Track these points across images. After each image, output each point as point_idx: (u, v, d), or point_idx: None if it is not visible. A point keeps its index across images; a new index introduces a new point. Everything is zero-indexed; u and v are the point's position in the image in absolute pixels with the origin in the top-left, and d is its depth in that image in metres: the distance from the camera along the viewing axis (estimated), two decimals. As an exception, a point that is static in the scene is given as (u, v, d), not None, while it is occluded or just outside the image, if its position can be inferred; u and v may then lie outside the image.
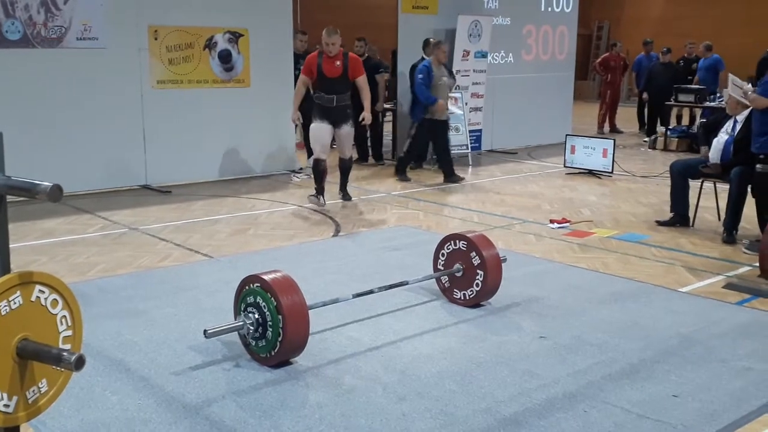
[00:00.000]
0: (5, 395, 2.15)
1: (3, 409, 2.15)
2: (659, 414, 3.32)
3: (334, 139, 7.68)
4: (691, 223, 6.99)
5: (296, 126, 11.04)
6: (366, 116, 7.54)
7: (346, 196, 7.89)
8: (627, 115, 16.08)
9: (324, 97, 7.39)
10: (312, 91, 7.61)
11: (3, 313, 2.11)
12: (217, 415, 3.24)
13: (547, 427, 3.18)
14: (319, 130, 7.42)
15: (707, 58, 13.83)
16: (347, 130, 7.55)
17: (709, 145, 6.90)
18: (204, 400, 3.38)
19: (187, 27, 8.57)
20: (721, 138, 6.75)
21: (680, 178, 6.92)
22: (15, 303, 2.14)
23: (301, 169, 9.70)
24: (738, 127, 6.64)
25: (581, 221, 7.20)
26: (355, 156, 8.93)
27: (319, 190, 7.56)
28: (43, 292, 2.22)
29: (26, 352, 2.16)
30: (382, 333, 4.24)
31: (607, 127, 15.04)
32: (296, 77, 9.77)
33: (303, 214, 7.36)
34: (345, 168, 7.82)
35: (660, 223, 7.02)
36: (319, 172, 7.49)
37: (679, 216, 6.96)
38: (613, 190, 8.96)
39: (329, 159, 7.72)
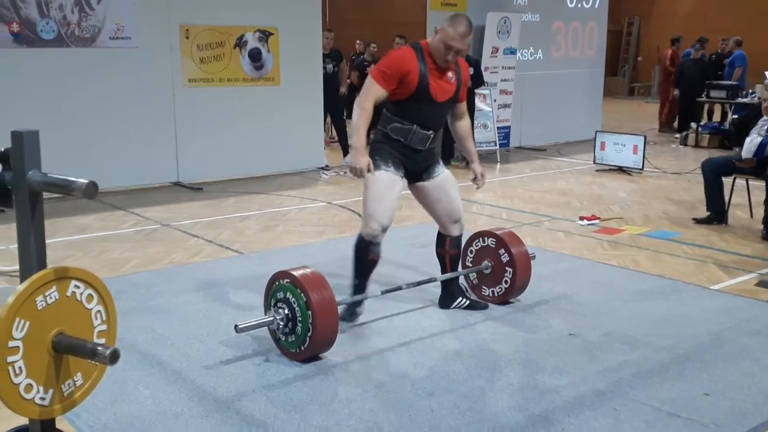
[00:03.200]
0: (41, 388, 2.19)
1: (39, 402, 2.19)
2: (690, 412, 3.29)
3: None
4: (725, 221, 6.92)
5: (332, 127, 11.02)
6: (481, 175, 4.48)
7: (474, 302, 4.61)
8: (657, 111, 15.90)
9: (419, 133, 4.14)
10: (387, 114, 4.19)
11: (39, 308, 2.15)
12: (247, 409, 3.28)
13: (576, 425, 3.17)
14: (390, 187, 4.11)
15: (733, 52, 13.73)
16: (446, 175, 4.37)
17: (742, 144, 6.82)
18: (235, 394, 3.41)
19: (218, 26, 8.63)
20: (755, 139, 6.65)
21: (713, 176, 6.84)
22: (51, 298, 2.18)
23: (327, 166, 9.73)
24: None
25: (611, 218, 7.15)
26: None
27: (359, 292, 4.27)
28: (79, 287, 2.26)
29: (62, 346, 2.21)
30: (411, 329, 4.25)
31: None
32: (325, 76, 9.84)
33: (331, 211, 7.39)
34: (455, 254, 4.55)
35: (697, 221, 6.95)
36: (367, 262, 4.23)
37: (716, 214, 6.89)
38: (644, 187, 8.88)
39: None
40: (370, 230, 4.11)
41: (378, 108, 4.04)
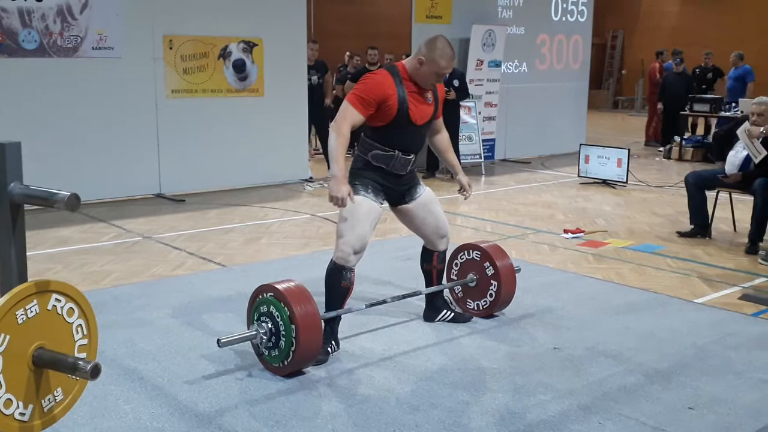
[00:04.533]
0: (21, 403, 2.16)
1: (19, 418, 2.16)
2: (675, 426, 3.29)
3: None
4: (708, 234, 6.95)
5: (310, 139, 11.06)
6: (468, 185, 4.44)
7: (458, 315, 4.61)
8: (641, 124, 16.02)
9: (401, 159, 4.07)
10: (366, 140, 4.09)
11: (20, 322, 2.12)
12: (229, 425, 3.24)
13: (561, 439, 3.16)
14: (367, 214, 3.99)
15: (738, 67, 13.69)
16: (427, 193, 4.32)
17: (724, 158, 6.85)
18: (217, 410, 3.38)
19: (202, 36, 8.61)
20: (739, 153, 6.68)
21: (696, 189, 6.88)
22: (32, 312, 2.15)
23: (311, 178, 9.71)
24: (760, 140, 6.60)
25: (595, 231, 7.17)
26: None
27: (332, 329, 4.07)
28: (60, 300, 2.23)
29: (42, 360, 2.18)
30: (395, 343, 4.23)
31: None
32: (309, 88, 9.83)
33: (316, 223, 7.37)
34: (441, 269, 4.56)
35: (681, 234, 6.98)
36: (340, 289, 4.01)
37: (700, 227, 6.93)
38: (628, 200, 8.92)
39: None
40: (342, 255, 3.94)
41: (356, 131, 3.92)
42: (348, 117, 3.85)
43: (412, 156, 4.12)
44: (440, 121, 4.34)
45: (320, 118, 10.47)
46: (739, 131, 6.59)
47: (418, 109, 4.01)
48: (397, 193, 4.19)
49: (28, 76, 7.50)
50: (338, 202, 3.78)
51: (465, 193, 4.43)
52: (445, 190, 9.44)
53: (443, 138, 4.41)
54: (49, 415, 2.25)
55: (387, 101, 3.89)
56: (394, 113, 3.92)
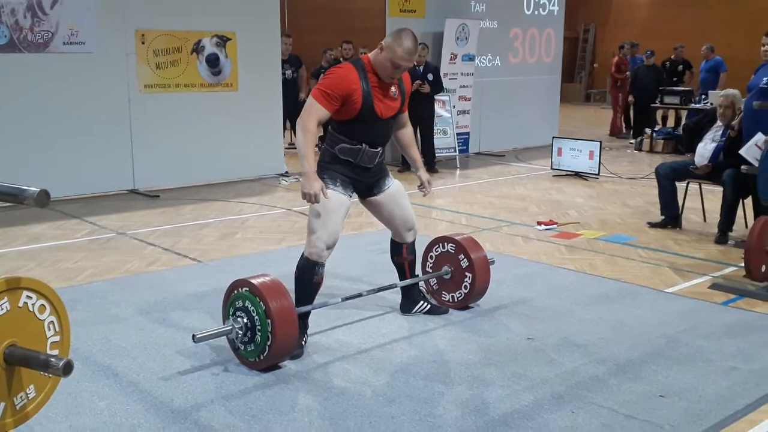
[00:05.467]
0: (-7, 401, 2.15)
1: (-10, 416, 2.15)
2: (646, 414, 3.34)
3: None
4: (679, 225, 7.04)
5: (285, 130, 11.04)
6: (428, 182, 4.45)
7: (434, 307, 4.65)
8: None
9: (368, 152, 4.07)
10: (333, 134, 4.10)
11: (-10, 319, 2.11)
12: (206, 420, 3.24)
13: (535, 429, 3.20)
14: (337, 207, 3.97)
15: (709, 60, 13.86)
16: (396, 186, 4.35)
17: (694, 149, 6.93)
18: (193, 405, 3.38)
19: (175, 31, 8.55)
20: (708, 145, 6.76)
21: (667, 181, 6.95)
22: (2, 309, 2.14)
23: (287, 172, 9.69)
24: (728, 132, 6.67)
25: (568, 223, 7.23)
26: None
27: (305, 323, 4.08)
28: (31, 297, 2.22)
29: (14, 358, 2.17)
30: (371, 336, 4.25)
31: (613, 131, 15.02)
32: (284, 82, 9.82)
33: (291, 218, 7.36)
34: (412, 260, 4.54)
35: (652, 225, 7.05)
36: (312, 284, 4.04)
37: (670, 218, 7.01)
38: (600, 192, 9.00)
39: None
40: (315, 250, 3.94)
41: (324, 123, 3.96)
42: (313, 113, 3.85)
43: (379, 149, 4.13)
44: (405, 116, 4.33)
45: (295, 112, 10.32)
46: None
47: (383, 103, 4.00)
48: (365, 185, 4.19)
49: (-3, 71, 7.42)
50: (311, 198, 3.79)
51: (424, 189, 4.43)
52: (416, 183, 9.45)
53: (406, 133, 4.41)
54: (22, 412, 2.25)
55: (351, 96, 3.88)
56: (358, 107, 3.91)
